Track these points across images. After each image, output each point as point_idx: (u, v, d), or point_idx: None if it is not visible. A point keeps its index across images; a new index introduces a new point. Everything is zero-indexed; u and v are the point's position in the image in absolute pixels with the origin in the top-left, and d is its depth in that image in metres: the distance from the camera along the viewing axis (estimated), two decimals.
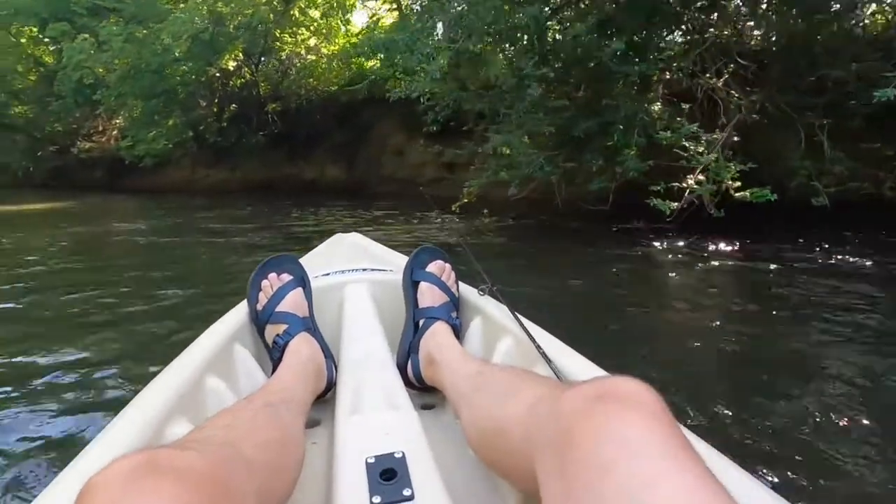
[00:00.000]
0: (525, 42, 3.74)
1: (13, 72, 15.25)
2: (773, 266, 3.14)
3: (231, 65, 10.85)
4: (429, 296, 0.91)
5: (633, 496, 0.28)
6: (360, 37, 12.73)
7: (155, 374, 0.66)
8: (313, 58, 11.39)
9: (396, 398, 0.67)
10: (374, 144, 13.01)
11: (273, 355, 0.82)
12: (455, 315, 0.91)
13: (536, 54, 3.62)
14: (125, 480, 0.31)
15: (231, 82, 11.31)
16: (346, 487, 0.49)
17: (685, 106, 3.95)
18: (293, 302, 0.87)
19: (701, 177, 3.61)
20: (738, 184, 3.54)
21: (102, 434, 0.52)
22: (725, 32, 4.06)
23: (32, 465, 1.17)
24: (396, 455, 0.52)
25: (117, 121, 15.49)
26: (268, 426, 0.52)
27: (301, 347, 0.79)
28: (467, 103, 4.80)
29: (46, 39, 15.50)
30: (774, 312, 2.35)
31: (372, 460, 0.51)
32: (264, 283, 0.91)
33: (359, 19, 13.02)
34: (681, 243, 3.89)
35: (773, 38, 4.48)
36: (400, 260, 1.20)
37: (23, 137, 15.84)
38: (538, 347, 0.68)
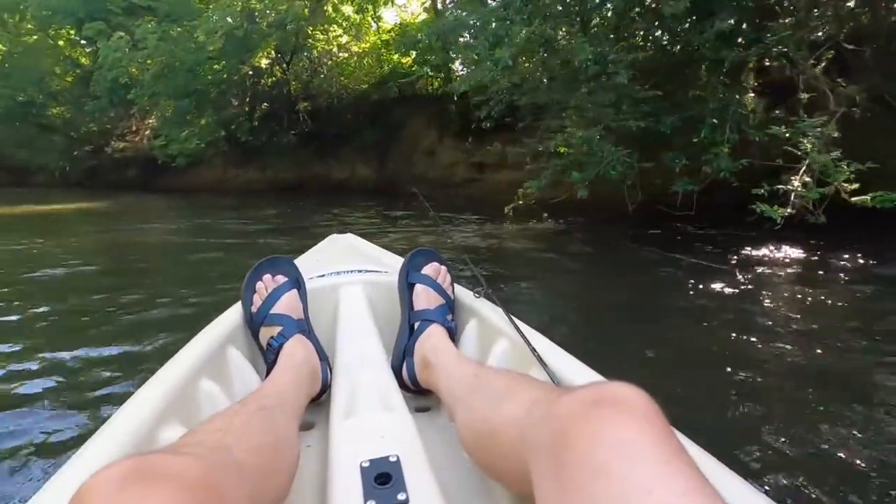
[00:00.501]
0: (607, 25, 3.29)
1: (51, 74, 15.56)
2: None
3: (263, 63, 10.67)
4: (424, 298, 0.90)
5: (627, 500, 0.28)
6: (392, 33, 12.44)
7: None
8: (345, 55, 11.15)
9: (391, 401, 0.66)
10: (405, 144, 12.71)
11: (267, 358, 0.81)
12: (451, 318, 0.89)
13: (623, 38, 3.18)
14: (116, 487, 0.30)
15: (262, 81, 11.15)
16: (340, 492, 0.49)
17: (780, 97, 3.46)
18: (288, 304, 0.86)
19: (807, 178, 3.12)
20: (855, 186, 3.04)
21: (93, 439, 0.51)
22: (828, 13, 3.54)
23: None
24: (391, 459, 0.52)
25: (150, 121, 15.61)
26: (262, 430, 0.51)
27: (296, 350, 0.78)
28: (533, 96, 4.31)
29: (83, 42, 15.80)
30: None
31: (366, 464, 0.51)
32: (259, 284, 0.89)
33: (388, 17, 12.72)
34: (780, 254, 3.40)
35: (878, 20, 3.93)
36: (395, 261, 1.20)
37: (60, 138, 16.09)
38: (533, 350, 0.67)
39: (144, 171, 14.59)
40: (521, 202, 4.67)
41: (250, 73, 10.62)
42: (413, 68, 11.78)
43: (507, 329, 0.80)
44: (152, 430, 0.55)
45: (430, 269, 0.95)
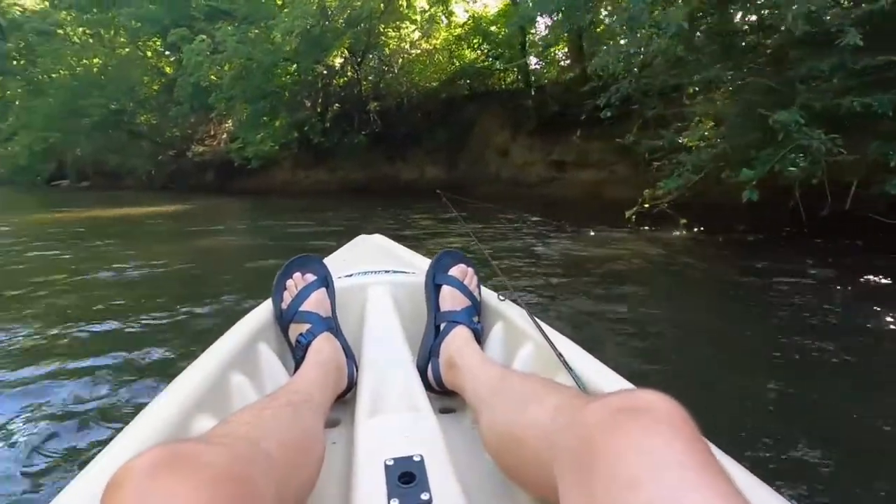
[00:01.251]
0: None
1: (140, 83, 16.56)
2: None
3: (337, 62, 10.48)
4: (450, 299, 0.90)
5: None
6: (464, 28, 11.89)
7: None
8: (417, 51, 10.74)
9: (416, 401, 0.66)
10: (477, 143, 12.13)
11: (296, 354, 0.82)
12: (477, 319, 0.90)
13: None
14: (148, 474, 0.31)
15: (334, 82, 10.99)
16: (364, 489, 0.49)
17: None
18: (316, 302, 0.87)
19: None
20: None
21: (129, 427, 0.52)
22: None
23: None
24: (415, 458, 0.52)
25: (227, 125, 16.16)
26: (289, 424, 0.52)
27: (323, 347, 0.79)
28: (693, 69, 3.37)
29: (167, 52, 16.69)
30: None
31: (391, 463, 0.51)
32: (289, 282, 0.90)
33: (458, 12, 12.16)
34: None
35: None
36: (422, 262, 1.21)
37: (147, 143, 17.05)
38: (559, 355, 0.67)
39: (221, 173, 15.05)
40: (646, 205, 3.87)
41: (324, 72, 10.48)
42: (486, 63, 11.17)
43: (534, 332, 0.80)
44: (184, 420, 0.56)
45: (456, 271, 0.95)
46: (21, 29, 16.77)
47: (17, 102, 18.25)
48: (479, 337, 0.87)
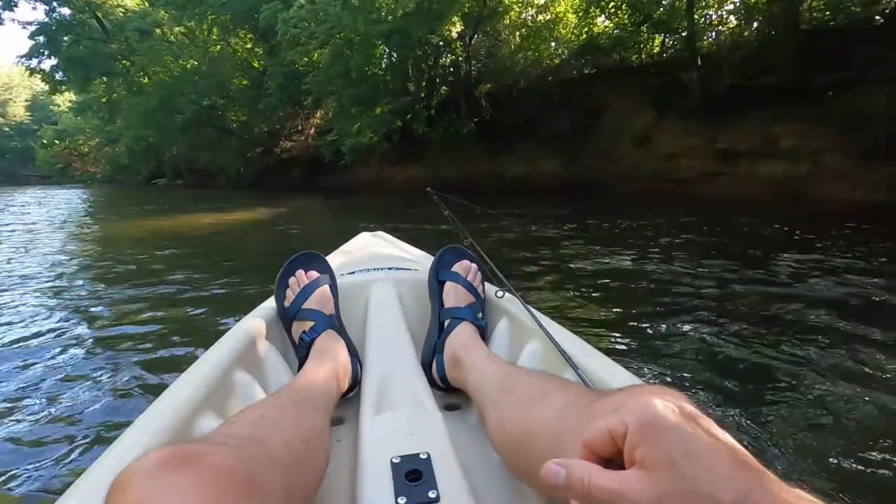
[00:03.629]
0: None
1: (230, 79, 16.26)
2: None
3: (454, 31, 8.73)
4: (454, 296, 0.89)
5: None
6: None
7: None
8: (542, 17, 8.75)
9: (421, 398, 0.66)
10: (607, 130, 9.94)
11: (299, 352, 0.81)
12: (481, 316, 0.89)
13: None
14: (156, 473, 0.31)
15: (441, 61, 9.31)
16: (371, 487, 0.49)
17: None
18: (319, 299, 0.86)
19: None
20: None
21: (133, 426, 0.52)
22: None
23: None
24: (422, 456, 0.52)
25: (315, 119, 15.31)
26: (294, 424, 0.51)
27: (327, 345, 0.78)
28: None
29: (257, 49, 16.26)
30: None
31: (397, 460, 0.51)
32: (291, 279, 0.89)
33: None
34: None
35: None
36: (425, 259, 1.21)
37: (235, 140, 16.81)
38: (562, 352, 0.66)
39: (307, 170, 14.23)
40: None
41: (431, 48, 8.81)
42: (628, 30, 8.95)
43: (539, 329, 0.77)
44: (188, 420, 0.55)
45: (460, 267, 0.93)
46: (123, 29, 17.03)
47: (123, 105, 18.82)
48: (484, 333, 0.85)
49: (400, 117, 9.16)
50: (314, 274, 0.90)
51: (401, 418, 0.61)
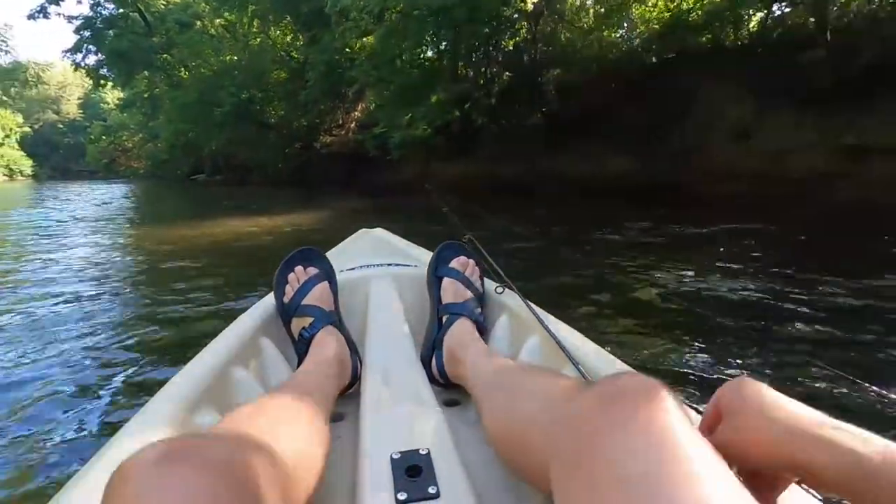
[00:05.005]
0: None
1: (269, 72, 15.69)
2: None
3: (528, 3, 7.53)
4: (452, 292, 0.89)
5: None
6: None
7: None
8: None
9: (421, 394, 0.66)
10: (695, 123, 8.55)
11: (299, 348, 0.81)
12: (479, 311, 0.88)
13: None
14: (154, 467, 0.31)
15: (504, 43, 8.15)
16: (371, 483, 0.49)
17: None
18: (319, 295, 0.86)
19: None
20: None
21: (132, 422, 0.52)
22: None
23: None
24: (422, 452, 0.52)
25: (356, 113, 14.48)
26: (294, 420, 0.51)
27: (326, 341, 0.77)
28: None
29: (297, 42, 15.67)
30: None
31: (397, 456, 0.51)
32: (291, 276, 0.89)
33: None
34: None
35: None
36: (425, 255, 1.19)
37: (274, 135, 16.26)
38: (560, 345, 0.67)
39: (348, 167, 13.39)
40: None
41: (496, 25, 7.63)
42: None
43: (539, 324, 0.77)
44: (187, 416, 0.55)
45: (457, 263, 0.93)
46: (164, 21, 16.72)
47: (165, 100, 18.66)
48: (482, 328, 0.85)
49: (458, 107, 8.05)
50: (313, 270, 0.89)
51: (401, 414, 0.61)
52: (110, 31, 17.33)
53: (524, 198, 8.86)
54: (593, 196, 8.59)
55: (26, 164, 38.39)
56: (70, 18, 17.31)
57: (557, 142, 9.41)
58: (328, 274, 0.90)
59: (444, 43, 7.65)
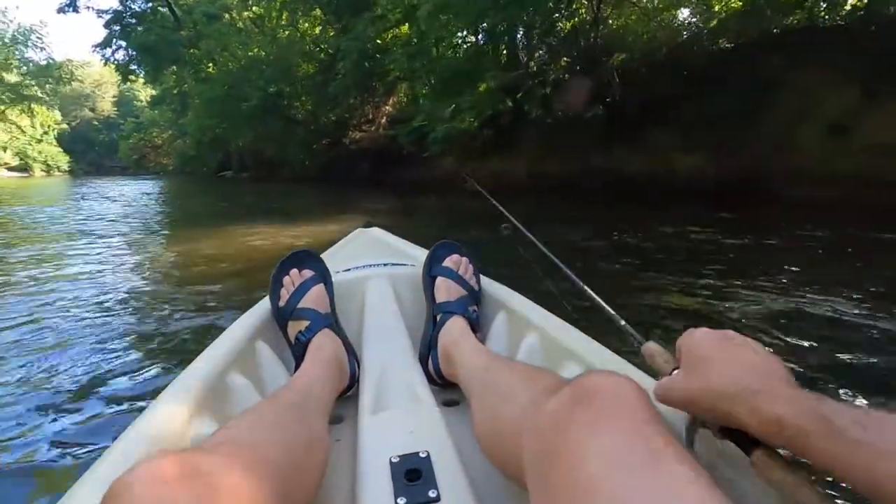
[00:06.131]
0: None
1: (297, 65, 15.13)
2: None
3: None
4: (445, 290, 0.88)
5: None
6: None
7: None
8: None
9: (419, 395, 0.66)
10: (782, 114, 7.41)
11: (295, 352, 0.79)
12: (473, 309, 0.86)
13: None
14: (150, 484, 0.31)
15: (561, 25, 7.19)
16: (370, 488, 0.48)
17: None
18: (315, 298, 0.85)
19: None
20: None
21: (125, 434, 0.50)
22: None
23: None
24: (421, 455, 0.51)
25: (387, 107, 13.76)
26: (292, 426, 0.51)
27: (323, 344, 0.76)
28: None
29: (328, 34, 15.08)
30: None
31: (396, 460, 0.51)
32: (286, 279, 0.88)
33: None
34: None
35: None
36: (422, 254, 1.17)
37: (302, 130, 15.70)
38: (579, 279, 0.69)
39: (377, 163, 12.66)
40: None
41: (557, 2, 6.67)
42: None
43: (537, 320, 0.79)
44: (184, 425, 0.53)
45: (450, 262, 0.92)
46: (192, 13, 16.34)
47: (193, 96, 18.39)
48: (476, 326, 0.84)
49: (510, 95, 7.11)
50: (308, 273, 0.88)
51: (399, 416, 0.60)
52: (139, 27, 17.11)
53: (575, 198, 7.88)
54: (661, 196, 7.55)
55: (63, 160, 39.29)
56: (100, 13, 17.14)
57: (616, 136, 8.38)
58: (323, 276, 0.90)
59: (494, 24, 6.71)
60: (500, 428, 0.48)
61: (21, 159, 35.45)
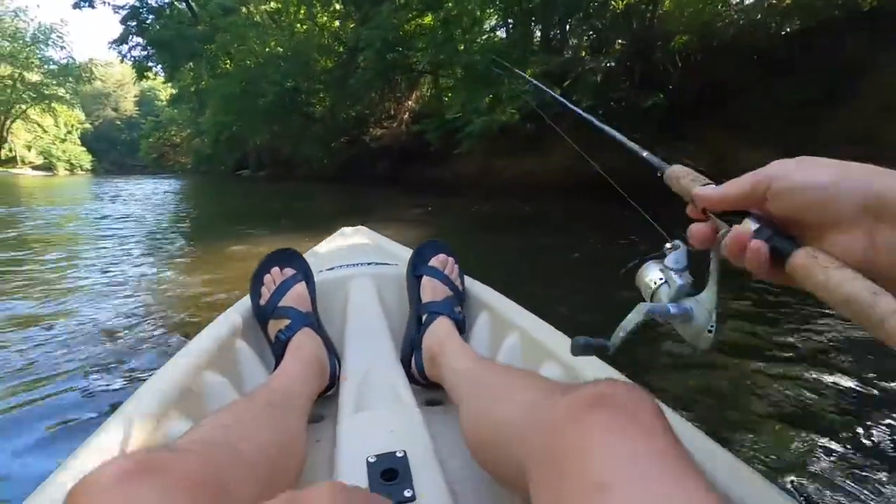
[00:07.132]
0: None
1: (315, 60, 14.54)
2: None
3: None
4: (431, 290, 0.87)
5: None
6: None
7: None
8: None
9: (400, 395, 0.65)
10: (867, 103, 6.45)
11: (275, 351, 0.79)
12: (458, 310, 0.86)
13: None
14: (114, 485, 0.30)
15: (613, 3, 6.34)
16: None
17: None
18: (296, 296, 0.84)
19: None
20: None
21: (94, 435, 0.48)
22: None
23: None
24: (398, 454, 0.51)
25: (409, 102, 13.05)
26: (269, 426, 0.50)
27: (303, 343, 0.76)
28: None
29: (348, 27, 14.47)
30: None
31: (373, 459, 0.50)
32: (267, 277, 0.87)
33: None
34: None
35: None
36: (406, 254, 1.15)
37: (320, 128, 15.12)
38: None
39: (397, 161, 11.95)
40: None
41: None
42: None
43: (519, 321, 0.79)
44: (158, 425, 0.53)
45: (436, 261, 0.91)
46: (208, 6, 15.87)
47: (211, 94, 17.99)
48: (462, 327, 0.84)
49: (557, 84, 6.28)
50: (290, 271, 0.87)
51: (379, 416, 0.60)
52: (156, 22, 16.75)
53: (609, 197, 7.02)
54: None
55: (86, 159, 39.72)
56: (116, 9, 16.82)
57: (663, 128, 7.48)
58: (306, 274, 0.89)
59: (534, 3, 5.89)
60: (492, 429, 0.46)
61: (45, 158, 35.87)
